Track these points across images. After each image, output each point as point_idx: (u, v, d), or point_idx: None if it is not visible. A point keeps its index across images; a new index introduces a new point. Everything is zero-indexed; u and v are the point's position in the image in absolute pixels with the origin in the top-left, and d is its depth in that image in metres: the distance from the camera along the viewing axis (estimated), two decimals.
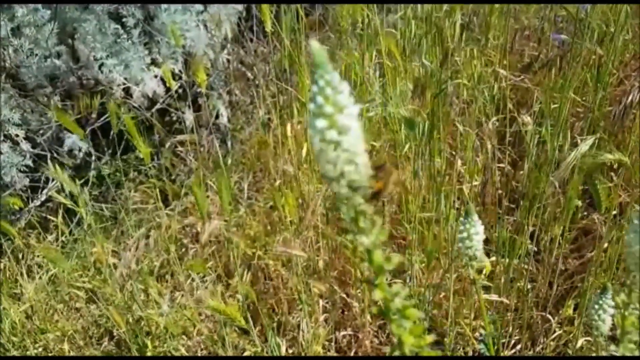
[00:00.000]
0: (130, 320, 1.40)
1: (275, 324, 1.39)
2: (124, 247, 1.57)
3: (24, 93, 1.74)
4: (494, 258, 1.29)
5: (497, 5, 1.41)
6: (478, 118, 1.43)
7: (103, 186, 1.80)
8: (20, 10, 1.66)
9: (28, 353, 1.44)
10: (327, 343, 1.35)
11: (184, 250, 1.61)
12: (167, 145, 1.81)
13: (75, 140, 1.74)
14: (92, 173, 1.78)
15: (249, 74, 1.93)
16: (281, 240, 1.41)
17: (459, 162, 1.38)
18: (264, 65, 1.90)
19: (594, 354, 1.15)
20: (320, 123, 0.40)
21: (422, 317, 1.16)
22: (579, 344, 1.20)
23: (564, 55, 1.32)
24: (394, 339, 0.48)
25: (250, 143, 1.81)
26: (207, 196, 1.58)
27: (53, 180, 1.72)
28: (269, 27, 1.28)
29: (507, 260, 1.27)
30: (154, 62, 1.78)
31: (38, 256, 1.62)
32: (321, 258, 1.38)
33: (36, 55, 1.70)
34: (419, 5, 1.46)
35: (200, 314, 1.44)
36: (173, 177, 1.79)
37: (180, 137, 1.73)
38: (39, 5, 1.67)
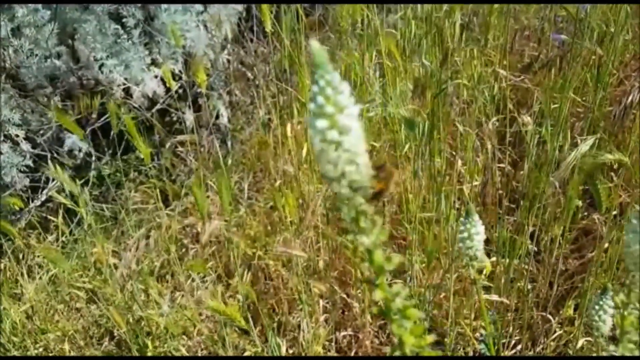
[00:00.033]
0: (131, 320, 1.40)
1: (275, 324, 1.39)
2: (124, 247, 1.57)
3: (24, 93, 1.74)
4: (494, 258, 1.29)
5: (496, 5, 1.41)
6: (478, 118, 1.43)
7: (103, 186, 1.80)
8: (20, 10, 1.67)
9: (29, 353, 1.44)
10: (327, 343, 1.35)
11: (184, 250, 1.61)
12: (167, 146, 1.81)
13: (75, 141, 1.74)
14: (93, 173, 1.78)
15: (249, 74, 1.93)
16: (281, 241, 1.41)
17: (459, 162, 1.38)
18: (264, 66, 1.90)
19: (594, 354, 1.15)
20: (321, 123, 0.40)
21: (423, 317, 1.16)
22: (579, 344, 1.20)
23: (564, 55, 1.32)
24: (394, 339, 0.48)
25: (251, 143, 1.81)
26: (208, 196, 1.58)
27: (53, 180, 1.72)
28: (269, 28, 1.28)
29: (508, 260, 1.27)
30: (154, 63, 1.78)
31: (38, 256, 1.62)
32: (321, 258, 1.38)
33: (36, 55, 1.70)
34: (418, 6, 1.46)
35: (200, 314, 1.44)
36: (173, 178, 1.79)
37: (180, 138, 1.73)
38: (39, 6, 1.67)
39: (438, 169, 1.30)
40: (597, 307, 0.67)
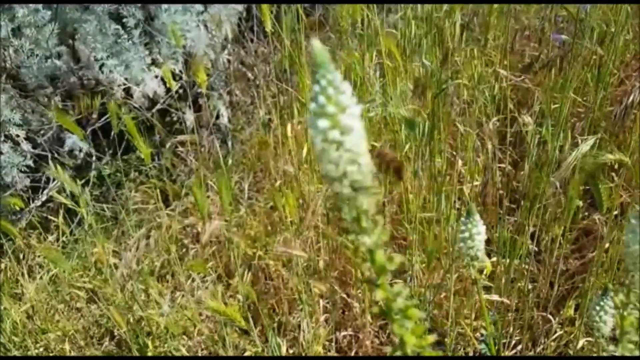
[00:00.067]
0: (131, 320, 1.40)
1: (275, 324, 1.39)
2: (124, 247, 1.57)
3: (25, 93, 1.74)
4: (494, 258, 1.29)
5: (496, 5, 1.41)
6: (479, 118, 1.43)
7: (104, 186, 1.80)
8: (20, 10, 1.67)
9: (29, 353, 1.44)
10: (327, 343, 1.35)
11: (184, 250, 1.61)
12: (167, 146, 1.81)
13: (75, 141, 1.74)
14: (93, 173, 1.78)
15: (250, 74, 1.93)
16: (282, 241, 1.41)
17: (460, 162, 1.38)
18: (264, 66, 1.90)
19: (595, 355, 1.15)
20: (323, 123, 0.39)
21: (424, 317, 1.16)
22: (580, 345, 1.20)
23: (564, 55, 1.32)
24: (394, 339, 0.48)
25: (251, 143, 1.81)
26: (208, 196, 1.58)
27: (54, 180, 1.72)
28: (269, 28, 1.28)
29: (508, 260, 1.27)
30: (154, 63, 1.79)
31: (39, 256, 1.62)
32: (322, 258, 1.38)
33: (37, 55, 1.70)
34: (419, 6, 1.46)
35: (200, 314, 1.44)
36: (174, 178, 1.79)
37: (180, 138, 1.73)
38: (40, 6, 1.67)
39: (438, 169, 1.30)
40: (597, 307, 0.67)
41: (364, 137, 0.41)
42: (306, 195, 1.44)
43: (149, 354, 1.37)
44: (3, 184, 1.64)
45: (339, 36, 1.63)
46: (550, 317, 1.27)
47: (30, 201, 1.72)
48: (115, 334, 1.47)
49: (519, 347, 1.29)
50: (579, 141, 1.17)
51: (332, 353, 1.35)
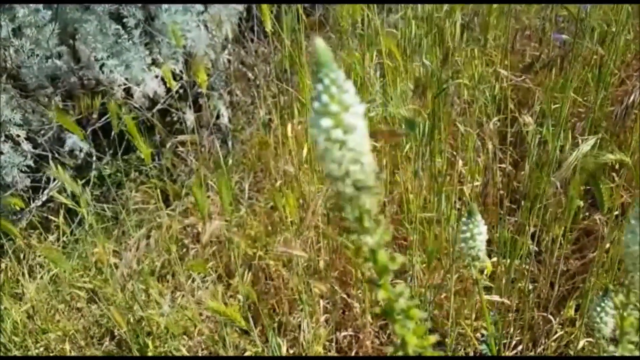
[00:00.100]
0: (131, 320, 1.40)
1: (276, 324, 1.39)
2: (125, 247, 1.57)
3: (25, 93, 1.74)
4: (495, 259, 1.29)
5: (495, 5, 1.41)
6: (479, 118, 1.42)
7: (104, 186, 1.80)
8: (21, 10, 1.67)
9: (29, 353, 1.44)
10: (327, 343, 1.35)
11: (184, 250, 1.61)
12: (168, 146, 1.81)
13: (76, 141, 1.74)
14: (93, 173, 1.78)
15: (250, 74, 1.93)
16: (282, 241, 1.41)
17: (460, 162, 1.38)
18: (264, 66, 1.90)
19: (595, 355, 1.14)
20: (326, 122, 0.39)
21: (426, 317, 1.15)
22: (580, 345, 1.20)
23: (565, 55, 1.32)
24: (394, 339, 0.48)
25: (251, 143, 1.81)
26: (208, 196, 1.58)
27: (54, 180, 1.72)
28: (269, 28, 1.28)
29: (509, 260, 1.27)
30: (154, 63, 1.79)
31: (39, 256, 1.62)
32: (322, 258, 1.38)
33: (37, 55, 1.70)
34: (419, 5, 1.46)
35: (201, 314, 1.44)
36: (174, 178, 1.79)
37: (181, 138, 1.73)
38: (40, 6, 1.67)
39: (439, 169, 1.30)
40: (598, 308, 0.66)
41: (367, 136, 0.40)
42: (306, 195, 1.44)
43: (150, 354, 1.37)
44: (3, 184, 1.65)
45: (339, 36, 1.63)
46: (551, 317, 1.27)
47: (31, 201, 1.72)
48: (116, 334, 1.47)
49: (520, 348, 1.29)
50: (580, 141, 1.16)
51: (333, 353, 1.35)
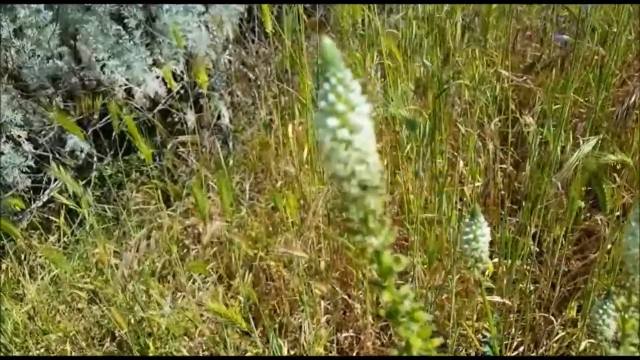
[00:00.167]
0: (132, 321, 1.40)
1: (276, 325, 1.39)
2: (125, 247, 1.57)
3: (26, 94, 1.74)
4: (496, 259, 1.29)
5: (494, 5, 1.40)
6: (480, 119, 1.42)
7: (105, 187, 1.80)
8: (22, 11, 1.67)
9: (30, 354, 1.44)
10: (328, 344, 1.34)
11: (185, 251, 1.61)
12: (168, 146, 1.81)
13: (77, 141, 1.74)
14: (94, 174, 1.78)
15: (251, 75, 1.93)
16: (283, 241, 1.41)
17: (461, 163, 1.37)
18: (265, 66, 1.90)
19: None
20: (332, 122, 0.39)
21: (430, 320, 1.15)
22: (582, 346, 1.19)
23: (566, 55, 1.31)
24: (396, 340, 0.48)
25: (252, 144, 1.81)
26: (209, 197, 1.58)
27: (55, 181, 1.73)
28: (270, 28, 1.28)
29: (510, 261, 1.27)
30: (155, 63, 1.79)
31: (40, 257, 1.62)
32: (323, 259, 1.38)
33: (38, 56, 1.70)
34: (419, 6, 1.46)
35: (202, 315, 1.44)
36: (175, 178, 1.79)
37: (181, 138, 1.73)
38: (41, 7, 1.67)
39: (440, 169, 1.30)
40: (600, 310, 0.66)
41: (372, 136, 0.40)
42: (307, 195, 1.44)
43: (150, 354, 1.37)
44: (4, 185, 1.65)
45: (340, 37, 1.63)
46: (552, 318, 1.27)
47: (32, 202, 1.72)
48: (116, 334, 1.47)
49: (521, 349, 1.29)
50: (581, 142, 1.16)
51: (333, 354, 1.35)
